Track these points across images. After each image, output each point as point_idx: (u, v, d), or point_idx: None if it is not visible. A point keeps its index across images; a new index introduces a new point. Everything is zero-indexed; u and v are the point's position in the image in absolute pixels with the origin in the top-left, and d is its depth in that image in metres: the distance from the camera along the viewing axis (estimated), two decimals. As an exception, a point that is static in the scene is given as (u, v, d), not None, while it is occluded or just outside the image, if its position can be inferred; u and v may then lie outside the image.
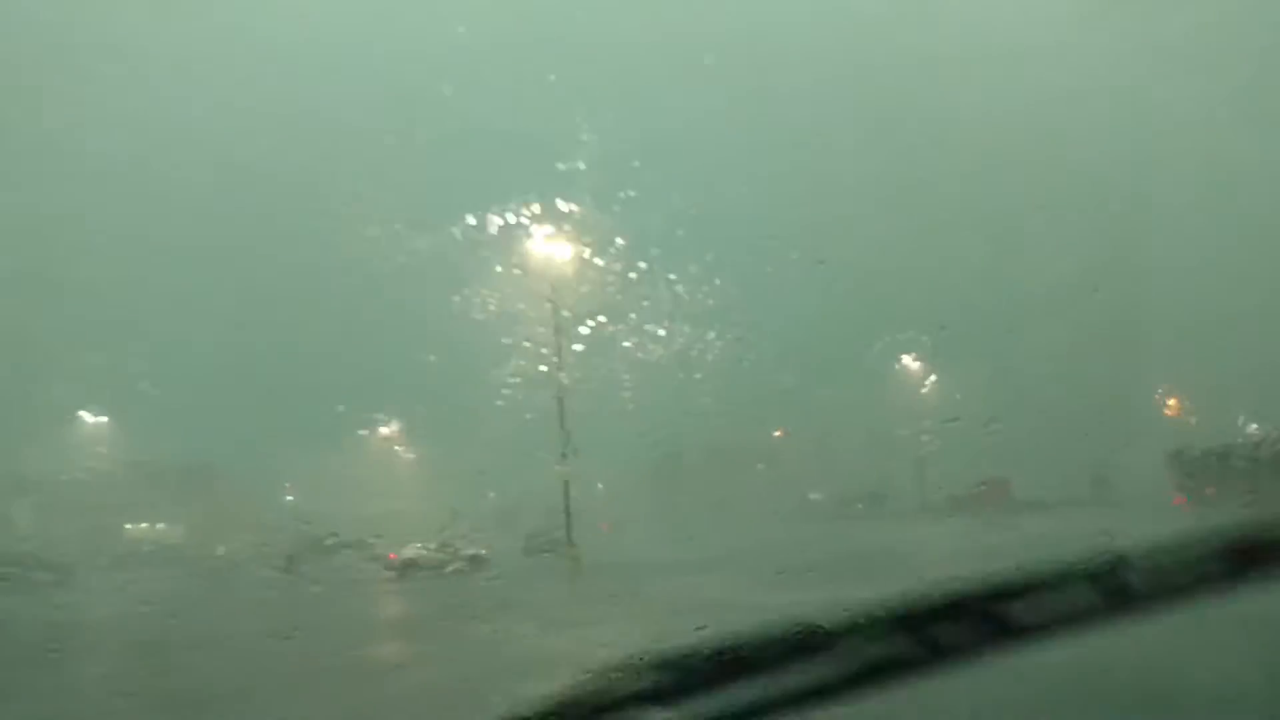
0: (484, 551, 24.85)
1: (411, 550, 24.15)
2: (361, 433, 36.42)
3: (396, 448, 38.35)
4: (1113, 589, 1.71)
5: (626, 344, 17.31)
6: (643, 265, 15.27)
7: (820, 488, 51.45)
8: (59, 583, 23.56)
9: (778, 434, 52.35)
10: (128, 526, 37.62)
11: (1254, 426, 27.80)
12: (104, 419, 37.10)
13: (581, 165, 18.29)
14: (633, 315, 15.80)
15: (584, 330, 18.57)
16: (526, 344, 17.80)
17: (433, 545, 24.73)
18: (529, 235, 19.97)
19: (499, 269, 19.00)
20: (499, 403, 18.32)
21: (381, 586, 21.68)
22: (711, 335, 14.70)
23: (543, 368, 18.94)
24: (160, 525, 38.69)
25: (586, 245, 19.79)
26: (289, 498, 37.06)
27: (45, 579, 23.03)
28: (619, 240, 18.75)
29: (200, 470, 39.34)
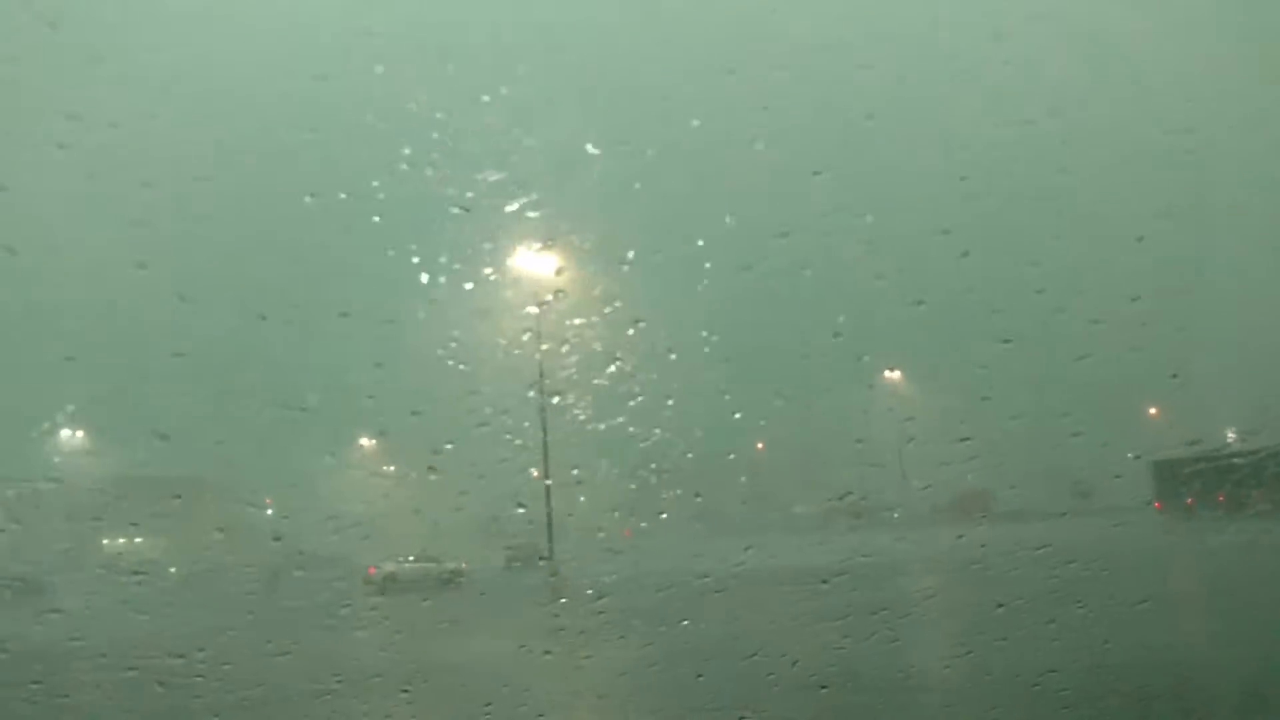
0: (464, 565, 24.81)
1: (391, 564, 24.08)
2: (343, 445, 36.07)
3: (378, 460, 37.95)
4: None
5: (609, 358, 17.22)
6: (628, 279, 15.23)
7: (804, 500, 51.51)
8: (33, 601, 23.25)
9: (759, 447, 52.31)
10: (105, 542, 37.08)
11: (1231, 435, 28.00)
12: (80, 431, 36.59)
13: (566, 176, 18.21)
14: (616, 328, 15.75)
15: (566, 344, 18.51)
16: (509, 356, 17.70)
17: (413, 559, 24.68)
18: (513, 246, 19.86)
19: (482, 281, 18.90)
20: (481, 416, 18.16)
21: (361, 601, 21.56)
22: (694, 349, 14.70)
23: (525, 380, 18.87)
24: (139, 540, 38.16)
25: (570, 259, 19.72)
26: (269, 511, 36.68)
27: (17, 597, 22.70)
28: (603, 255, 18.70)
29: (179, 484, 38.69)
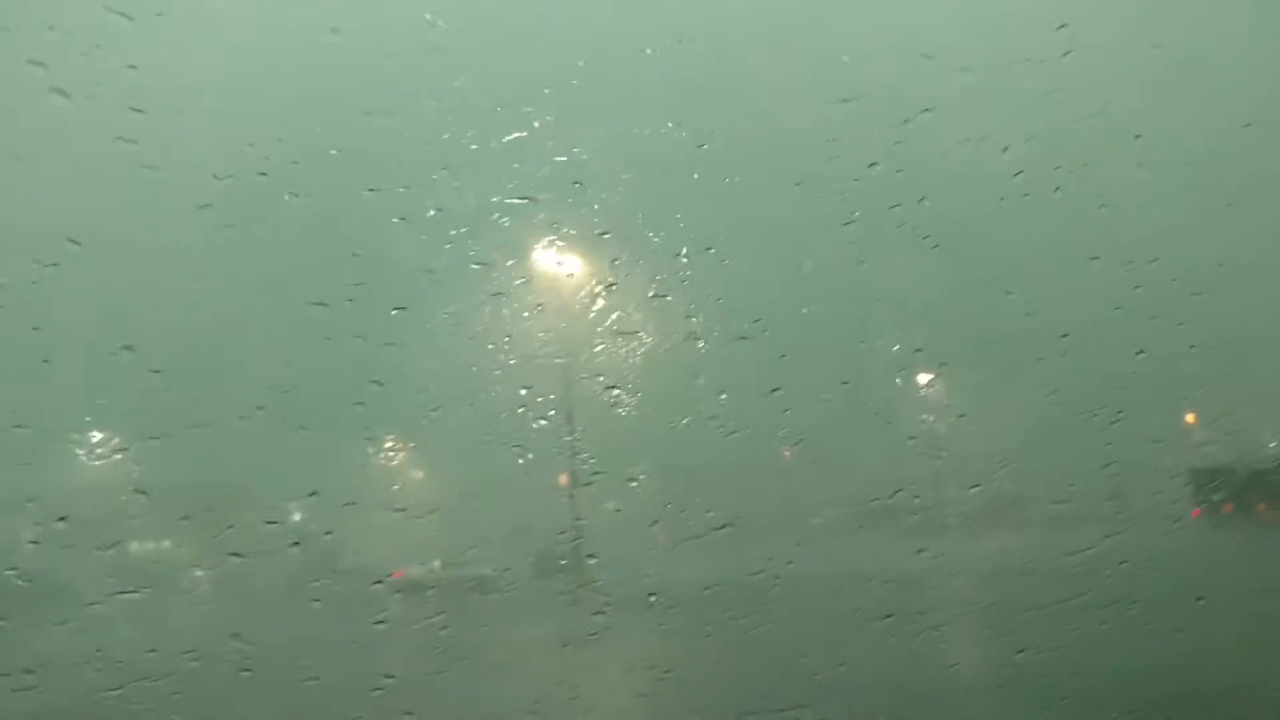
0: (491, 570, 24.62)
1: (417, 569, 23.95)
2: (392, 441, 36.23)
3: (427, 457, 37.98)
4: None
5: (662, 352, 17.17)
6: (684, 272, 15.17)
7: (853, 497, 51.08)
8: (78, 598, 23.42)
9: (786, 454, 51.94)
10: (134, 545, 37.37)
11: (1273, 443, 27.48)
12: (113, 437, 36.78)
13: (624, 168, 18.19)
14: (671, 322, 15.68)
15: (620, 338, 18.47)
16: (562, 350, 17.69)
17: (438, 563, 24.52)
18: (569, 239, 19.80)
19: (537, 275, 18.94)
20: (508, 416, 18.15)
21: (408, 598, 21.65)
22: (748, 343, 14.61)
23: (577, 375, 18.84)
24: (165, 544, 38.49)
25: (626, 252, 19.67)
26: (295, 516, 36.84)
27: (61, 594, 22.84)
28: (660, 247, 18.64)
29: (227, 481, 38.98)
